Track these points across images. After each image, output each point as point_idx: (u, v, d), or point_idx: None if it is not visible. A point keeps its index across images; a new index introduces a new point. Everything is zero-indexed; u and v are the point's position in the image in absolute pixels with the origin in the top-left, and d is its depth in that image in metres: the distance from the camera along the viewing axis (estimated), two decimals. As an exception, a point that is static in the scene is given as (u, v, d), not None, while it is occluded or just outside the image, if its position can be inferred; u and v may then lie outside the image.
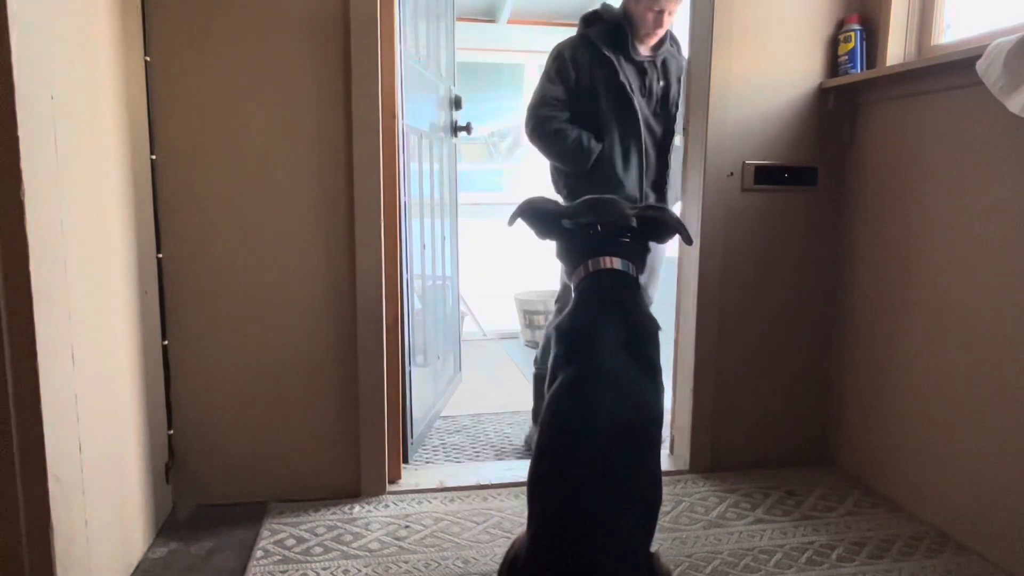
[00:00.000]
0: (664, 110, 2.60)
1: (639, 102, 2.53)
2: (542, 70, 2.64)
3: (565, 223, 1.62)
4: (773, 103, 2.39)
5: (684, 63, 2.60)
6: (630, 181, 2.55)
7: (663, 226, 1.65)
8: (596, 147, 2.51)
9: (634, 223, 1.61)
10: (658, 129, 2.60)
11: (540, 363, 2.71)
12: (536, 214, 1.65)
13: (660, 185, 2.62)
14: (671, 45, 2.64)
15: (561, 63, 2.56)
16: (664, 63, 2.60)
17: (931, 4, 2.25)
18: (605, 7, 2.63)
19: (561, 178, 2.66)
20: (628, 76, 2.53)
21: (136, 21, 1.94)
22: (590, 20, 2.61)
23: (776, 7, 2.35)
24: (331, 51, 2.08)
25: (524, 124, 2.62)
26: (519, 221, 1.66)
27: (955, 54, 1.95)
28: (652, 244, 1.69)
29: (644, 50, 2.58)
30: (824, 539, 2.05)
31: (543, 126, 2.55)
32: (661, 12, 2.48)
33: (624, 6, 2.57)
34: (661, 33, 2.55)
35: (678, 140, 2.57)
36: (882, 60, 2.29)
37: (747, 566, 1.91)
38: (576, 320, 1.52)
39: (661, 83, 2.59)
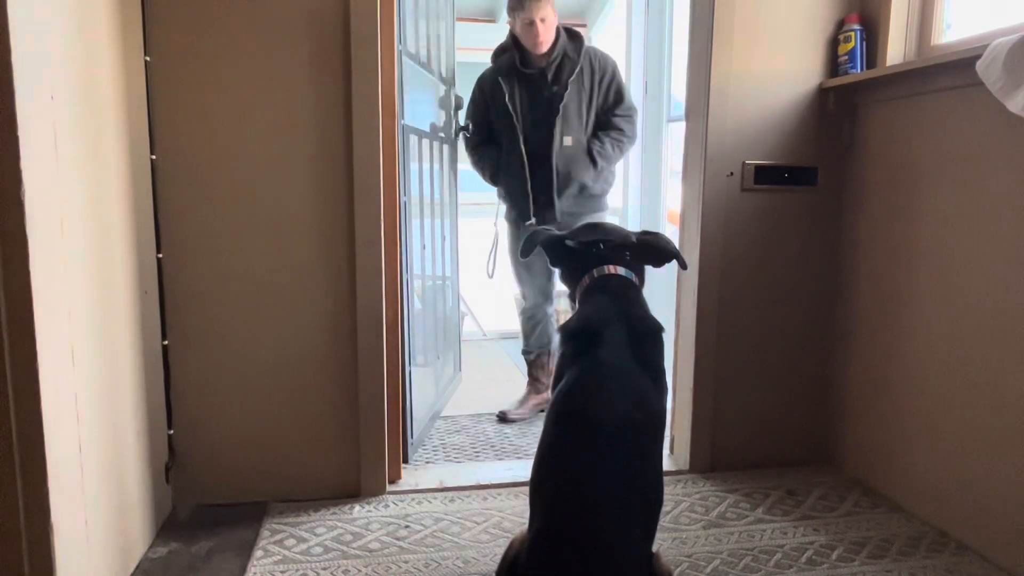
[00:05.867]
0: (548, 116, 2.88)
1: (522, 117, 2.91)
2: None
3: (569, 243, 1.71)
4: (773, 103, 2.39)
5: (586, 60, 2.88)
6: (515, 187, 2.95)
7: (659, 250, 1.73)
8: (490, 164, 3.03)
9: (634, 239, 1.71)
10: (541, 136, 2.89)
11: (524, 344, 3.24)
12: (544, 242, 1.76)
13: (547, 186, 2.91)
14: (571, 45, 2.89)
15: (476, 92, 3.06)
16: (559, 67, 2.88)
17: (931, 4, 2.25)
18: (508, 37, 2.97)
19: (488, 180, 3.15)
20: (518, 94, 2.91)
21: (136, 21, 1.94)
22: (498, 52, 3.00)
23: (776, 7, 2.35)
24: (331, 51, 2.08)
25: None
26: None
27: (955, 54, 1.95)
28: None
29: (538, 61, 2.89)
30: (824, 539, 2.05)
31: (467, 148, 3.14)
32: (532, 23, 2.78)
33: (511, 30, 2.92)
34: (545, 40, 2.82)
35: (567, 141, 2.88)
36: (882, 60, 2.29)
37: (747, 566, 1.91)
38: (582, 321, 1.55)
39: (554, 88, 2.88)
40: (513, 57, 2.89)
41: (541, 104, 2.89)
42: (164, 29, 2.00)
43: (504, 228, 3.18)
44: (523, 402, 3.17)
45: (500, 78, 2.91)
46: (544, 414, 1.52)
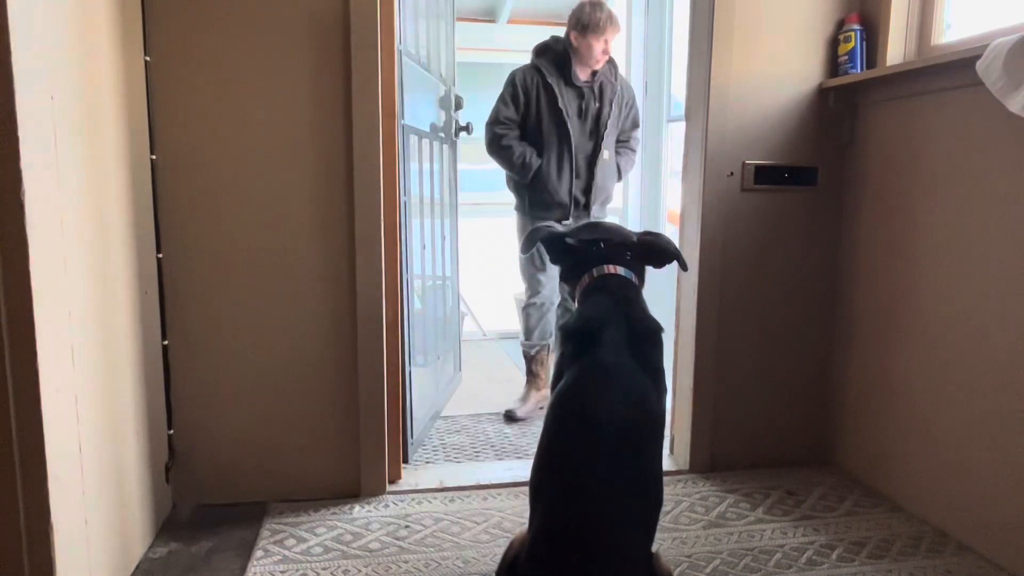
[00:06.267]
0: (596, 129, 3.08)
1: (573, 124, 3.03)
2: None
3: (570, 240, 1.70)
4: (773, 103, 2.39)
5: (619, 85, 3.13)
6: (562, 189, 3.06)
7: (660, 251, 1.72)
8: (536, 162, 3.04)
9: (635, 239, 1.70)
10: (588, 146, 3.08)
11: (525, 340, 3.28)
12: (545, 238, 1.75)
13: (587, 191, 3.10)
14: (609, 69, 3.10)
15: (514, 88, 3.06)
16: (601, 87, 3.07)
17: (931, 4, 2.25)
18: (555, 39, 3.09)
19: (511, 182, 3.19)
20: (567, 101, 3.02)
21: (136, 21, 1.94)
22: (540, 51, 3.10)
23: (776, 7, 2.35)
24: (331, 51, 2.08)
25: (484, 137, 3.12)
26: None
27: (955, 54, 1.95)
28: None
29: (583, 76, 3.05)
30: (824, 539, 2.05)
31: (497, 141, 3.06)
32: (605, 43, 2.99)
33: (568, 38, 3.03)
34: (604, 60, 3.03)
35: (606, 155, 3.10)
36: (882, 60, 2.29)
37: (747, 566, 1.91)
38: (581, 321, 1.55)
39: (596, 105, 3.07)
40: (565, 64, 3.04)
41: (587, 116, 3.07)
42: (164, 29, 2.00)
43: (517, 220, 3.24)
44: (525, 399, 3.20)
45: (550, 80, 3.02)
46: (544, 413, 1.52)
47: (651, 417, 1.43)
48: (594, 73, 3.06)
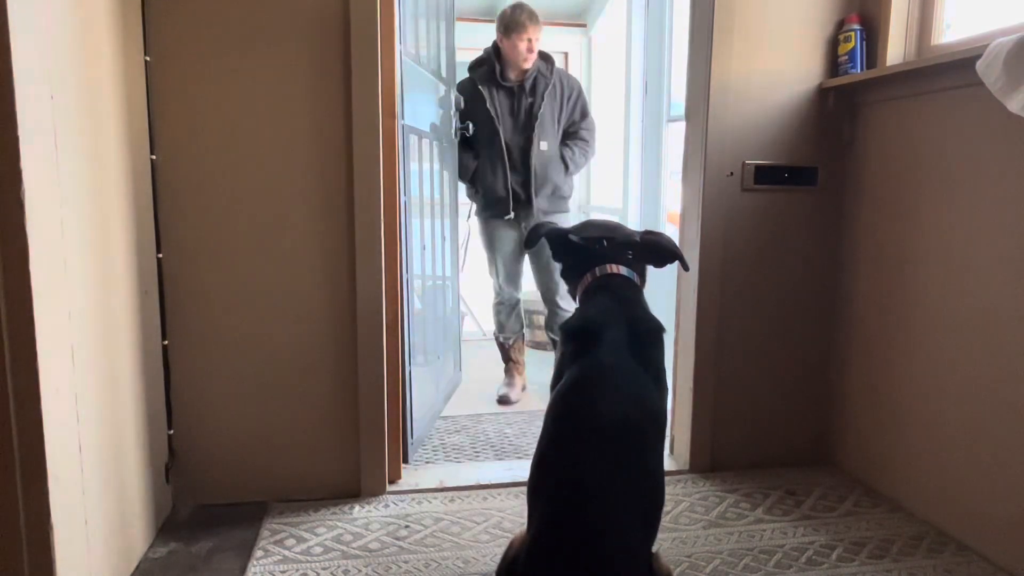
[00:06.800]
0: (528, 123, 3.21)
1: (505, 122, 3.21)
2: None
3: (573, 238, 1.70)
4: (773, 103, 2.39)
5: (556, 78, 3.24)
6: (499, 184, 3.22)
7: (662, 251, 1.73)
8: (472, 165, 3.28)
9: (637, 238, 1.70)
10: (521, 140, 3.21)
11: (499, 333, 3.55)
12: (547, 234, 1.77)
13: (526, 184, 3.22)
14: (544, 65, 3.23)
15: (455, 99, 3.26)
16: (534, 82, 3.21)
17: (931, 4, 2.25)
18: (486, 51, 3.27)
19: (467, 191, 3.44)
20: (498, 101, 3.21)
21: (136, 21, 1.94)
22: (474, 65, 3.30)
23: (776, 7, 2.35)
24: (331, 51, 2.08)
25: None
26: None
27: (955, 54, 1.95)
28: None
29: (514, 75, 3.22)
30: (824, 539, 2.05)
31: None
32: (529, 41, 3.14)
33: (496, 44, 3.22)
34: (531, 58, 3.17)
35: (543, 146, 3.21)
36: (882, 60, 2.29)
37: (747, 566, 1.91)
38: (582, 320, 1.55)
39: (529, 100, 3.21)
40: (493, 68, 3.22)
41: (519, 112, 3.22)
42: (164, 29, 2.00)
43: (475, 224, 3.48)
44: (512, 384, 3.48)
45: (480, 86, 3.22)
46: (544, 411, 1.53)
47: (651, 417, 1.43)
48: (527, 71, 3.19)
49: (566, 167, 3.27)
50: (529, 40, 3.14)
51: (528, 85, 3.20)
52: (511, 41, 3.14)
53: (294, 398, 2.21)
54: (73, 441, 1.50)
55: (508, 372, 3.54)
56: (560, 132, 3.29)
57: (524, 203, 3.22)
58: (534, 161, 3.19)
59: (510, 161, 3.20)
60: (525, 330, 3.77)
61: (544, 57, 3.26)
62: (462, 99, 3.31)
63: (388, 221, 2.21)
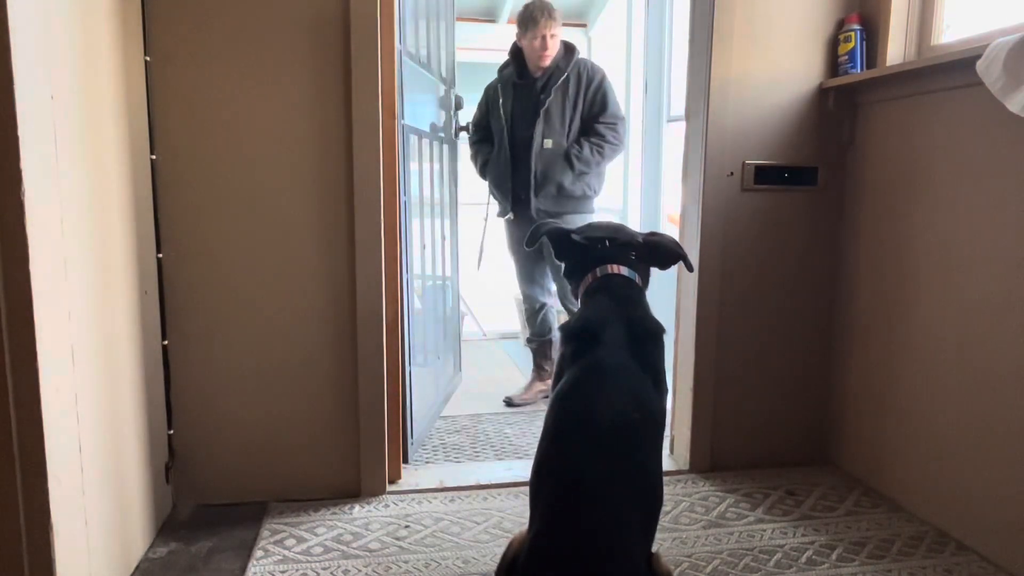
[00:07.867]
0: (533, 120, 3.12)
1: (516, 119, 3.18)
2: None
3: (575, 237, 1.69)
4: (773, 103, 2.39)
5: (573, 70, 3.11)
6: (503, 181, 3.20)
7: (665, 252, 1.72)
8: (481, 159, 3.33)
9: (640, 240, 1.69)
10: (524, 138, 3.14)
11: (531, 335, 3.45)
12: (550, 233, 1.76)
13: (526, 182, 3.15)
14: (564, 57, 3.13)
15: (482, 98, 3.38)
16: (549, 78, 3.12)
17: (931, 4, 2.25)
18: (510, 51, 3.26)
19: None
20: (515, 99, 3.19)
21: (136, 21, 1.94)
22: (501, 67, 3.31)
23: (776, 7, 2.35)
24: (331, 51, 2.08)
25: None
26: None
27: (955, 54, 1.95)
28: None
29: (536, 72, 3.15)
30: (824, 539, 2.05)
31: (470, 149, 3.42)
32: (543, 38, 3.05)
33: (516, 43, 3.19)
34: (550, 55, 3.09)
35: (548, 143, 3.10)
36: (882, 60, 2.29)
37: (747, 566, 1.91)
38: (582, 321, 1.55)
39: (542, 96, 3.11)
40: (513, 70, 3.20)
41: (528, 109, 3.13)
42: (164, 29, 2.00)
43: (498, 224, 3.43)
44: (528, 388, 3.41)
45: (500, 86, 3.23)
46: (546, 408, 1.53)
47: (651, 417, 1.43)
48: (547, 69, 3.12)
49: (571, 165, 3.08)
50: (544, 37, 3.05)
51: (542, 82, 3.12)
52: (527, 39, 3.09)
53: (294, 398, 2.21)
54: (73, 441, 1.50)
55: (532, 374, 3.46)
56: (574, 128, 3.11)
57: (523, 202, 3.17)
58: (535, 160, 3.11)
59: (513, 161, 3.16)
60: (525, 330, 3.74)
61: (567, 49, 3.16)
62: (463, 99, 3.32)
63: (388, 221, 2.21)
